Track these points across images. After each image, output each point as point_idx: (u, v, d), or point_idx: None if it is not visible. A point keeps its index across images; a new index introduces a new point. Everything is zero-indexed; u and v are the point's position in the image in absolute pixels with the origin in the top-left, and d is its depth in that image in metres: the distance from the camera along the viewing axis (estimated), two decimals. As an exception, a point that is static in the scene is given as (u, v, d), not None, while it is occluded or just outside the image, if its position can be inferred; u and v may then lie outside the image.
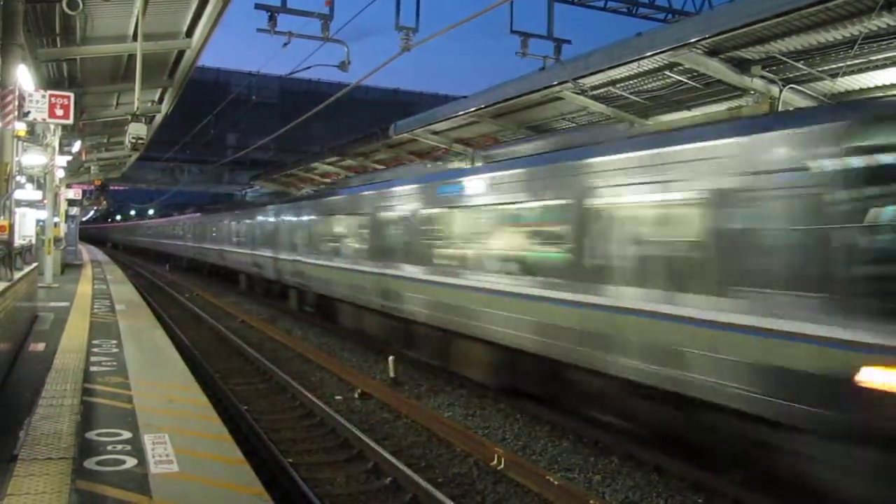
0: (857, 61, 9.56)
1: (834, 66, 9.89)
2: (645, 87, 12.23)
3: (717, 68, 10.51)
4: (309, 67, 15.94)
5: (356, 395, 11.62)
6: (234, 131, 50.31)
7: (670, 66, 11.01)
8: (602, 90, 12.66)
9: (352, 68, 14.76)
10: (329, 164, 27.04)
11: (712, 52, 10.30)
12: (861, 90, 10.53)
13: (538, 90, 13.15)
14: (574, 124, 15.28)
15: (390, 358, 12.91)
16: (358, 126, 34.71)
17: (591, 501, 7.13)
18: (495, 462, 8.22)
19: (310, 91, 51.59)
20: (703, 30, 9.64)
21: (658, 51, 10.33)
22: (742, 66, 10.50)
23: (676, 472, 7.91)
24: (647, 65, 11.03)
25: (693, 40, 9.80)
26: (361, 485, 7.96)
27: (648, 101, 12.76)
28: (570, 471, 8.20)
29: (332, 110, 19.27)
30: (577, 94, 12.82)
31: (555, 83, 12.67)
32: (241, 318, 20.81)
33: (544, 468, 8.19)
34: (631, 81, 12.07)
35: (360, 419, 10.29)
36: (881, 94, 10.29)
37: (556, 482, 7.57)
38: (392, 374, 12.62)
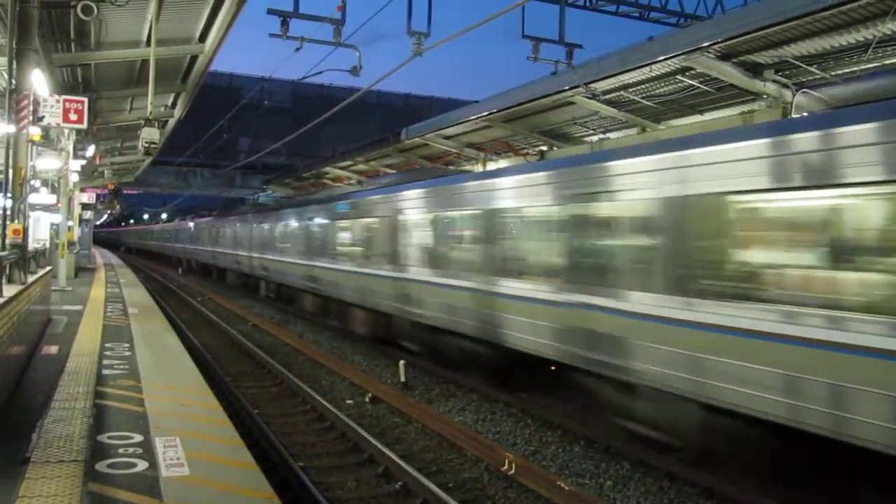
0: (871, 65, 9.50)
1: (847, 70, 9.83)
2: (657, 91, 12.19)
3: (729, 72, 10.46)
4: (321, 72, 15.90)
5: (367, 399, 11.62)
6: (247, 135, 50.42)
7: (682, 71, 10.98)
8: (614, 94, 12.63)
9: (363, 73, 14.80)
10: (341, 168, 27.13)
11: (725, 57, 10.25)
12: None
13: (550, 95, 13.14)
14: (586, 129, 15.28)
15: (401, 362, 12.91)
16: (370, 130, 34.77)
17: (603, 507, 7.09)
18: (506, 467, 8.20)
19: (322, 96, 51.49)
20: (715, 34, 9.60)
21: (670, 55, 10.30)
22: (755, 70, 10.44)
23: (689, 478, 7.86)
24: (659, 69, 11.00)
25: (705, 44, 9.77)
26: (372, 489, 7.95)
27: (660, 106, 12.73)
28: (581, 476, 8.17)
29: (344, 115, 19.30)
30: (589, 98, 12.80)
31: (567, 88, 12.66)
32: (253, 322, 20.87)
33: (555, 473, 8.16)
34: (643, 86, 12.04)
35: (371, 423, 10.28)
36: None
37: (567, 487, 7.54)
38: (403, 379, 12.62)
